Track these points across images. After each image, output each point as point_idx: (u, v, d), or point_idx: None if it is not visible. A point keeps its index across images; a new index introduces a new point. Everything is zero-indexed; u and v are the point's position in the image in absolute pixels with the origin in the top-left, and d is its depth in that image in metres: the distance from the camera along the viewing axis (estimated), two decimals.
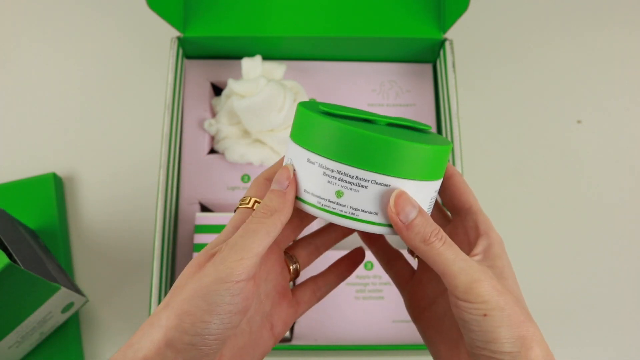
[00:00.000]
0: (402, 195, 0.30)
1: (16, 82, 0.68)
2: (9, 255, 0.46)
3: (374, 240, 0.40)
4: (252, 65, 0.60)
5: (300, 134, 0.31)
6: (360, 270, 0.56)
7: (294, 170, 0.31)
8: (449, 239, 0.30)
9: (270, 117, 0.57)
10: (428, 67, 0.65)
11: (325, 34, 0.61)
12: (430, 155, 0.30)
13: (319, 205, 0.31)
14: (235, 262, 0.28)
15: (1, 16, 0.71)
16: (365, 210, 0.30)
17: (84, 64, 0.69)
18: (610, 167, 0.64)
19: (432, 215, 0.36)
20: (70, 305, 0.53)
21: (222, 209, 0.59)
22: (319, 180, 0.30)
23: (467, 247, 0.34)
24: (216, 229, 0.56)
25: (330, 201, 0.30)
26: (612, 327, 0.58)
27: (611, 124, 0.67)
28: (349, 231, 0.38)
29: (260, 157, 0.59)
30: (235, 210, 0.33)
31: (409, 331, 0.55)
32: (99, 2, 0.72)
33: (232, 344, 0.32)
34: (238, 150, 0.59)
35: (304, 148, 0.31)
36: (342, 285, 0.56)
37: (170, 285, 0.56)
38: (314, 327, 0.55)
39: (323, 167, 0.30)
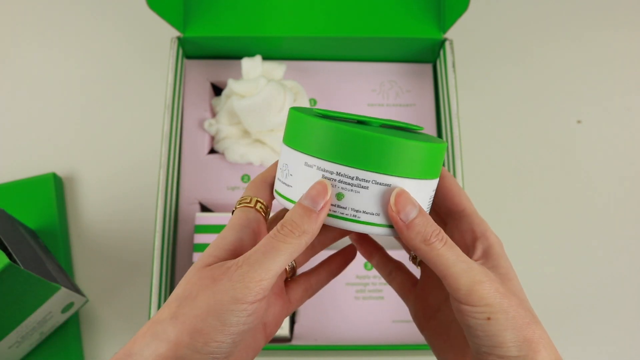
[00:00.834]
0: (402, 193, 0.29)
1: (16, 82, 0.68)
2: (9, 255, 0.46)
3: (373, 253, 0.39)
4: (252, 65, 0.60)
5: (296, 138, 0.31)
6: (360, 270, 0.56)
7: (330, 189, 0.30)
8: (450, 240, 0.30)
9: (270, 117, 0.57)
10: (428, 67, 0.65)
11: (325, 34, 0.61)
12: (429, 153, 0.30)
13: None
14: (254, 283, 0.27)
15: (1, 16, 0.71)
16: (367, 211, 0.30)
17: (84, 64, 0.69)
18: (610, 167, 0.64)
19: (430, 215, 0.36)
20: (70, 305, 0.53)
21: (222, 209, 0.59)
22: None
23: (465, 251, 0.33)
24: (216, 229, 0.56)
25: (332, 204, 0.30)
26: (612, 326, 0.58)
27: (611, 124, 0.67)
28: (346, 232, 0.38)
29: (260, 157, 0.59)
30: (233, 211, 0.32)
31: (409, 331, 0.55)
32: (99, 2, 0.72)
33: None
34: (238, 150, 0.59)
35: (301, 152, 0.30)
36: (342, 285, 0.56)
37: (171, 286, 0.56)
38: (314, 327, 0.55)
39: (322, 170, 0.30)
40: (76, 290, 0.54)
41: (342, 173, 0.29)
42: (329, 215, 0.30)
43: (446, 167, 0.59)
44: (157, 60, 0.67)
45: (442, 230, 0.30)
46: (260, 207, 0.32)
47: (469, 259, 0.30)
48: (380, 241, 0.40)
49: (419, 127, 0.32)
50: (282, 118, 0.57)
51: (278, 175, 0.32)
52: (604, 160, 0.65)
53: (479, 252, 0.32)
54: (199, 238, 0.56)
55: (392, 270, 0.39)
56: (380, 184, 0.30)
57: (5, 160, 0.64)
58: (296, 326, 0.55)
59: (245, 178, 0.60)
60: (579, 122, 0.67)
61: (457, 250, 0.30)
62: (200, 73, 0.64)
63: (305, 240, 0.29)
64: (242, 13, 0.61)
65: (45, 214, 0.59)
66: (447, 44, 0.61)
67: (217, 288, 0.27)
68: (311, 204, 0.29)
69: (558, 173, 0.64)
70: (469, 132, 0.65)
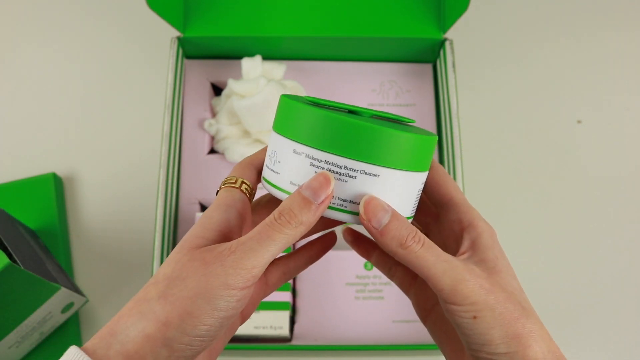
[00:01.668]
0: (371, 200, 0.29)
1: (16, 82, 0.68)
2: (9, 255, 0.46)
3: (370, 252, 0.39)
4: (252, 65, 0.60)
5: (285, 125, 0.30)
6: (360, 270, 0.56)
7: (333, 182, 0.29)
8: (427, 240, 0.29)
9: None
10: (428, 67, 0.65)
11: (325, 34, 0.61)
12: (419, 145, 0.30)
13: None
14: (246, 270, 0.27)
15: (1, 16, 0.71)
16: (354, 201, 0.30)
17: (84, 64, 0.69)
18: (610, 167, 0.64)
19: (420, 212, 0.36)
20: (70, 305, 0.53)
21: None
22: (305, 172, 0.29)
23: (455, 243, 0.33)
24: None
25: None
26: (613, 326, 0.58)
27: (611, 124, 0.67)
28: (333, 223, 0.37)
29: None
30: (217, 191, 0.32)
31: (409, 331, 0.55)
32: (99, 2, 0.72)
33: None
34: (238, 150, 0.59)
35: (289, 139, 0.30)
36: (342, 285, 0.56)
37: None
38: (314, 327, 0.55)
39: (310, 158, 0.29)
40: (76, 290, 0.54)
41: (331, 162, 0.29)
42: None
43: (447, 167, 0.59)
44: (157, 60, 0.67)
45: (419, 231, 0.29)
46: (246, 189, 0.32)
47: (450, 257, 0.29)
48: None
49: (410, 119, 0.32)
50: None
51: (266, 162, 0.32)
52: (604, 160, 0.65)
53: (466, 244, 0.31)
54: None
55: (391, 266, 0.38)
56: (368, 174, 0.29)
57: (5, 160, 0.64)
58: (296, 326, 0.55)
59: None
60: (579, 122, 0.67)
61: (437, 249, 0.29)
62: (200, 73, 0.64)
63: (300, 231, 0.29)
64: (242, 13, 0.61)
65: (45, 214, 0.59)
66: (447, 44, 0.61)
67: (209, 272, 0.27)
68: (312, 196, 0.28)
69: (558, 173, 0.64)
70: (469, 132, 0.65)
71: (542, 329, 0.29)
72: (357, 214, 0.30)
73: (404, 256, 0.29)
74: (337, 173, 0.29)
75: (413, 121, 0.32)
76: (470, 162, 0.63)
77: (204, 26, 0.61)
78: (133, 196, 0.62)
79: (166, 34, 0.63)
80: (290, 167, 0.30)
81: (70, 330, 0.55)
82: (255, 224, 0.33)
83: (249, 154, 0.59)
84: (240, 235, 0.31)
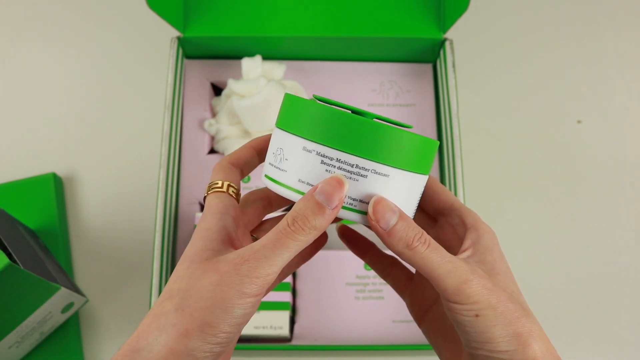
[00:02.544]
0: (380, 201, 0.29)
1: (16, 82, 0.68)
2: (9, 255, 0.46)
3: (366, 251, 0.39)
4: (252, 65, 0.60)
5: (294, 122, 0.30)
6: (360, 270, 0.56)
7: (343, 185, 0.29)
8: (433, 242, 0.29)
9: (270, 117, 0.57)
10: (428, 67, 0.65)
11: (325, 34, 0.61)
12: (427, 147, 0.30)
13: None
14: (261, 278, 0.27)
15: (1, 16, 0.71)
16: (364, 201, 0.30)
17: (84, 64, 0.69)
18: (610, 167, 0.64)
19: (418, 214, 0.36)
20: (70, 305, 0.53)
21: None
22: (316, 170, 0.29)
23: (458, 244, 0.33)
24: None
25: None
26: (613, 326, 0.58)
27: (611, 124, 0.67)
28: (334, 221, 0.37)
29: None
30: (205, 197, 0.32)
31: (409, 331, 0.55)
32: (99, 2, 0.72)
33: None
34: None
35: (299, 136, 0.29)
36: (342, 285, 0.56)
37: None
38: (314, 327, 0.55)
39: (321, 155, 0.29)
40: (76, 290, 0.54)
41: (343, 160, 0.29)
42: None
43: (447, 167, 0.59)
44: (157, 60, 0.67)
45: (425, 232, 0.30)
46: (233, 192, 0.32)
47: (454, 258, 0.29)
48: (373, 238, 0.40)
49: (408, 125, 0.32)
50: None
51: (269, 159, 0.31)
52: (604, 160, 0.65)
53: (467, 243, 0.32)
54: None
55: (386, 267, 0.39)
56: (379, 173, 0.29)
57: (5, 160, 0.64)
58: (296, 326, 0.55)
59: (245, 178, 0.60)
60: (579, 122, 0.67)
61: (442, 250, 0.29)
62: (200, 73, 0.64)
63: (313, 236, 0.29)
64: (242, 13, 0.61)
65: (45, 214, 0.59)
66: (447, 44, 0.61)
67: (223, 281, 0.27)
68: (325, 201, 0.28)
69: (558, 173, 0.64)
70: (469, 132, 0.65)
71: (541, 329, 0.29)
72: (365, 213, 0.30)
73: (409, 257, 0.29)
74: (348, 172, 0.29)
75: (411, 126, 0.32)
76: (470, 162, 0.63)
77: (204, 26, 0.61)
78: (133, 196, 0.62)
79: (166, 34, 0.63)
80: (300, 164, 0.30)
81: (70, 330, 0.55)
82: (244, 224, 0.33)
83: None
84: (239, 240, 0.31)
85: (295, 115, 0.30)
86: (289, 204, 0.35)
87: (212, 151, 0.62)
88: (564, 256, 0.61)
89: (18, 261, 0.45)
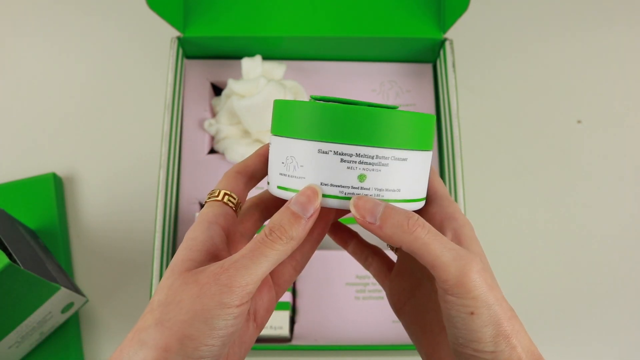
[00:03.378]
0: (360, 198, 0.29)
1: (16, 82, 0.68)
2: (9, 255, 0.46)
3: (348, 240, 0.39)
4: (252, 65, 0.60)
5: (300, 127, 0.30)
6: (360, 270, 0.56)
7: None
8: (432, 227, 0.29)
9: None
10: (428, 67, 0.65)
11: (325, 34, 0.61)
12: (431, 123, 0.31)
13: (342, 195, 0.29)
14: (240, 288, 0.27)
15: (1, 16, 0.71)
16: (389, 188, 0.30)
17: (84, 64, 0.69)
18: (610, 167, 0.65)
19: None
20: (70, 305, 0.53)
21: None
22: (337, 169, 0.29)
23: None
24: None
25: (354, 187, 0.29)
26: (613, 326, 0.58)
27: (611, 124, 0.67)
28: (340, 213, 0.36)
29: None
30: (203, 203, 0.32)
31: None
32: (99, 2, 0.72)
33: None
34: (238, 150, 0.59)
35: (311, 139, 0.29)
36: (342, 285, 0.56)
37: None
38: (314, 327, 0.55)
39: (340, 154, 0.29)
40: (76, 290, 0.54)
41: (362, 154, 0.29)
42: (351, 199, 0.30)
43: (447, 167, 0.59)
44: (157, 60, 0.67)
45: (419, 216, 0.29)
46: (229, 200, 0.32)
47: (454, 245, 0.29)
48: (355, 227, 0.40)
49: (395, 105, 0.32)
50: None
51: (279, 170, 0.31)
52: (604, 160, 0.65)
53: (449, 234, 0.31)
54: None
55: (368, 256, 0.38)
56: (399, 159, 0.29)
57: (5, 160, 0.64)
58: (296, 326, 0.55)
59: None
60: (579, 122, 0.67)
61: (441, 237, 0.29)
62: (200, 73, 0.64)
63: (292, 246, 0.29)
64: (242, 13, 0.61)
65: (45, 214, 0.59)
66: (447, 44, 0.61)
67: (203, 292, 0.27)
68: (301, 211, 0.29)
69: (558, 173, 0.64)
70: (469, 132, 0.65)
71: (524, 329, 0.29)
72: (394, 200, 0.30)
73: (410, 243, 0.29)
74: (370, 164, 0.29)
75: (397, 107, 0.32)
76: (470, 162, 0.63)
77: (204, 26, 0.61)
78: (133, 196, 0.62)
79: (166, 34, 0.63)
80: (318, 167, 0.29)
81: (70, 330, 0.55)
82: (241, 234, 0.33)
83: (249, 154, 0.60)
84: (227, 251, 0.31)
85: (300, 120, 0.30)
86: None
87: (212, 151, 0.62)
88: (564, 256, 0.61)
89: (18, 261, 0.45)
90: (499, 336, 0.28)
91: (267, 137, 0.59)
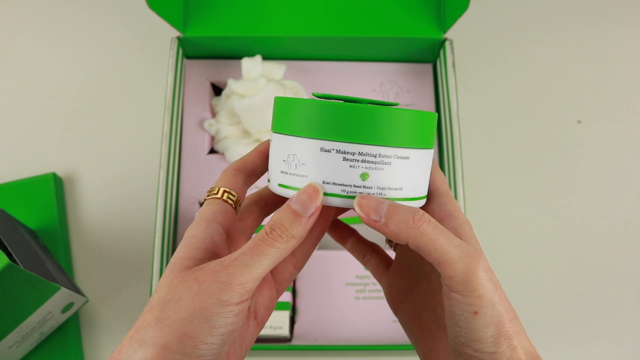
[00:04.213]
0: (363, 197, 0.29)
1: (16, 82, 0.68)
2: (9, 255, 0.46)
3: (346, 238, 0.38)
4: (252, 65, 0.60)
5: (302, 125, 0.30)
6: (360, 270, 0.56)
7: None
8: (438, 223, 0.29)
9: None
10: (428, 67, 0.65)
11: (325, 34, 0.61)
12: (432, 121, 0.31)
13: (344, 194, 0.29)
14: (240, 285, 0.27)
15: (1, 16, 0.71)
16: (392, 187, 0.30)
17: (84, 63, 0.69)
18: (610, 167, 0.65)
19: None
20: (70, 305, 0.53)
21: None
22: (339, 167, 0.29)
23: None
24: None
25: (356, 186, 0.29)
26: (613, 326, 0.58)
27: (611, 124, 0.67)
28: (340, 211, 0.36)
29: None
30: (203, 201, 0.32)
31: None
32: (99, 2, 0.72)
33: None
34: (238, 150, 0.59)
35: (313, 138, 0.29)
36: (342, 285, 0.56)
37: None
38: (314, 327, 0.55)
39: (342, 153, 0.29)
40: (76, 290, 0.54)
41: (365, 152, 0.29)
42: (354, 197, 0.29)
43: (447, 167, 0.59)
44: (157, 60, 0.67)
45: (424, 211, 0.29)
46: (228, 197, 0.32)
47: (460, 241, 0.29)
48: (354, 224, 0.40)
49: (394, 102, 0.32)
50: None
51: (281, 168, 0.31)
52: (604, 160, 0.65)
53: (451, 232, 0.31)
54: None
55: (366, 253, 0.38)
56: (401, 157, 0.29)
57: (5, 160, 0.64)
58: (296, 326, 0.55)
59: None
60: (579, 122, 0.67)
61: (447, 232, 0.29)
62: (200, 73, 0.64)
63: (292, 244, 0.29)
64: (242, 13, 0.61)
65: (45, 214, 0.59)
66: (447, 44, 0.61)
67: (202, 290, 0.27)
68: (301, 209, 0.29)
69: (558, 173, 0.64)
70: (469, 132, 0.65)
71: (524, 330, 0.29)
72: (396, 199, 0.30)
73: (415, 238, 0.28)
74: (372, 162, 0.29)
75: (397, 104, 0.32)
76: (470, 162, 0.63)
77: (204, 26, 0.61)
78: (133, 196, 0.62)
79: (166, 34, 0.63)
80: (321, 166, 0.29)
81: (70, 330, 0.55)
82: (241, 231, 0.33)
83: None
84: (227, 248, 0.31)
85: (302, 118, 0.30)
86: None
87: (212, 151, 0.62)
88: (563, 255, 0.61)
89: (18, 261, 0.45)
90: (500, 337, 0.28)
91: (267, 137, 0.59)
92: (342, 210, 0.36)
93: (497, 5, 0.72)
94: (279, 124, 0.31)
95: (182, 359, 0.26)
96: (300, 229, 0.29)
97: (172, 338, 0.26)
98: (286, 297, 0.55)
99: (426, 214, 0.29)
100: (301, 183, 0.30)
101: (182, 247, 0.30)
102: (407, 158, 0.30)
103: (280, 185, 0.31)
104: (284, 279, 0.34)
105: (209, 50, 0.63)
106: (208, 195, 0.32)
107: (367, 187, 0.29)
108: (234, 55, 0.63)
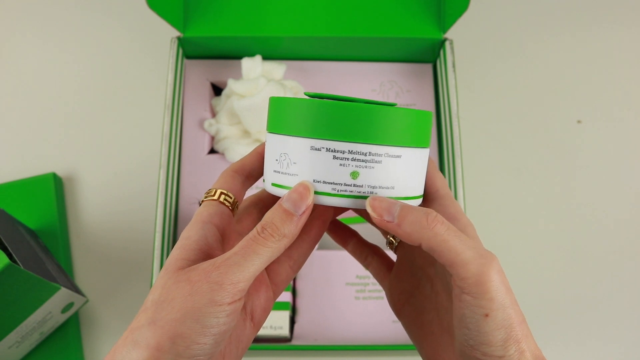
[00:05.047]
0: (375, 199, 0.29)
1: (16, 82, 0.68)
2: (9, 255, 0.46)
3: (348, 240, 0.38)
4: (252, 65, 0.60)
5: (293, 124, 0.30)
6: (360, 270, 0.56)
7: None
8: (451, 225, 0.29)
9: None
10: (428, 67, 0.65)
11: (325, 34, 0.61)
12: (427, 120, 0.31)
13: (334, 192, 0.29)
14: (232, 285, 0.27)
15: (1, 16, 0.71)
16: (383, 186, 0.30)
17: (84, 63, 0.69)
18: (610, 167, 0.65)
19: None
20: (70, 305, 0.53)
21: None
22: (329, 166, 0.29)
23: None
24: None
25: (346, 184, 0.29)
26: (613, 326, 0.58)
27: (611, 124, 0.67)
28: (339, 211, 0.36)
29: None
30: (200, 203, 0.31)
31: None
32: (99, 2, 0.72)
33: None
34: (238, 150, 0.59)
35: (303, 136, 0.29)
36: (342, 285, 0.56)
37: None
38: (314, 327, 0.55)
39: (332, 151, 0.29)
40: (76, 290, 0.54)
41: (355, 150, 0.29)
42: (345, 196, 0.29)
43: (447, 167, 0.59)
44: (157, 60, 0.67)
45: (437, 212, 0.29)
46: (225, 199, 0.32)
47: (473, 242, 0.29)
48: (355, 226, 0.40)
49: (393, 103, 0.32)
50: None
51: (274, 167, 0.31)
52: (604, 160, 0.65)
53: None
54: None
55: (367, 255, 0.38)
56: (392, 156, 0.29)
57: (5, 160, 0.64)
58: (296, 326, 0.55)
59: None
60: (579, 122, 0.67)
61: (460, 234, 0.29)
62: (200, 73, 0.64)
63: (284, 243, 0.29)
64: (242, 13, 0.61)
65: (45, 214, 0.59)
66: (447, 44, 0.61)
67: (194, 290, 0.27)
68: (292, 208, 0.29)
69: (558, 173, 0.64)
70: (469, 132, 0.65)
71: (531, 334, 0.29)
72: (388, 197, 0.30)
73: (429, 239, 0.28)
74: (362, 161, 0.29)
75: (395, 104, 0.32)
76: (470, 162, 0.63)
77: (204, 26, 0.61)
78: (133, 196, 0.62)
79: (166, 34, 0.63)
80: (311, 164, 0.29)
81: (70, 330, 0.55)
82: (238, 232, 0.33)
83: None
84: (221, 249, 0.31)
85: (294, 117, 0.30)
86: None
87: (212, 151, 0.62)
88: (564, 255, 0.61)
89: (18, 261, 0.45)
90: (509, 340, 0.28)
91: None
92: (340, 211, 0.36)
93: (497, 5, 0.72)
94: (272, 124, 0.31)
95: None
96: (292, 228, 0.29)
97: (164, 339, 0.26)
98: (286, 297, 0.55)
99: (439, 215, 0.29)
100: (293, 182, 0.30)
101: (176, 248, 0.30)
102: (398, 157, 0.29)
103: (273, 184, 0.31)
104: (280, 280, 0.34)
105: (209, 50, 0.63)
106: (205, 197, 0.32)
107: (357, 186, 0.29)
108: (234, 55, 0.63)
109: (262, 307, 0.33)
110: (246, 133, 0.60)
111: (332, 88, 0.64)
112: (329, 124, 0.29)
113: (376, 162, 0.29)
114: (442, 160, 0.60)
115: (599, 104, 0.67)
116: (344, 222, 0.40)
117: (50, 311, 0.51)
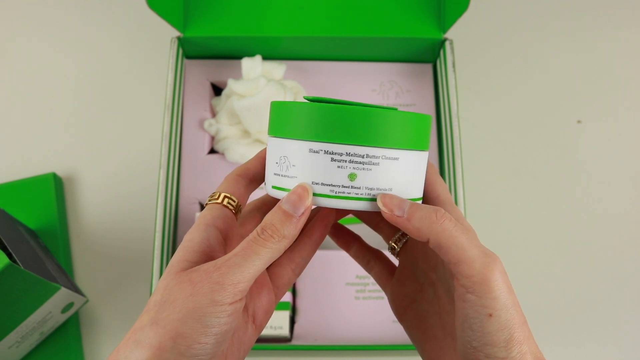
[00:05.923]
0: (386, 196, 0.30)
1: (16, 82, 0.68)
2: (9, 255, 0.46)
3: (350, 244, 0.39)
4: (252, 65, 0.60)
5: (292, 127, 0.30)
6: (360, 270, 0.56)
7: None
8: (458, 223, 0.29)
9: None
10: (428, 67, 0.65)
11: (325, 34, 0.61)
12: (426, 123, 0.31)
13: (333, 194, 0.30)
14: (232, 285, 0.27)
15: (1, 16, 0.71)
16: (381, 188, 0.30)
17: (84, 63, 0.69)
18: (610, 167, 0.65)
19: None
20: (70, 305, 0.53)
21: None
22: (327, 168, 0.29)
23: None
24: None
25: (344, 186, 0.29)
26: (613, 326, 0.58)
27: (611, 124, 0.67)
28: (342, 214, 0.37)
29: None
30: (204, 206, 0.32)
31: None
32: (99, 2, 0.72)
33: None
34: (238, 150, 0.59)
35: (302, 139, 0.30)
36: (342, 285, 0.56)
37: None
38: (314, 327, 0.55)
39: (330, 153, 0.29)
40: (76, 290, 0.54)
41: (353, 153, 0.29)
42: (343, 198, 0.30)
43: (447, 167, 0.59)
44: (157, 60, 0.67)
45: (445, 210, 0.30)
46: (229, 203, 0.32)
47: (479, 242, 0.29)
48: (357, 230, 0.40)
49: (393, 107, 0.32)
50: None
51: (274, 170, 0.31)
52: (604, 160, 0.65)
53: None
54: None
55: (370, 260, 0.38)
56: (389, 158, 0.30)
57: (5, 160, 0.64)
58: (296, 326, 0.55)
59: None
60: (579, 122, 0.67)
61: (468, 232, 0.29)
62: (200, 73, 0.64)
63: (284, 244, 0.29)
64: (242, 13, 0.61)
65: (45, 214, 0.60)
66: (447, 44, 0.61)
67: (196, 291, 0.27)
68: (291, 209, 0.29)
69: (558, 173, 0.64)
70: (469, 132, 0.65)
71: (532, 334, 0.29)
72: None
73: (437, 234, 0.29)
74: (360, 163, 0.29)
75: (395, 109, 0.32)
76: (470, 162, 0.63)
77: (204, 26, 0.61)
78: (133, 196, 0.62)
79: (166, 34, 0.63)
80: (309, 167, 0.30)
81: (70, 330, 0.55)
82: (241, 236, 0.33)
83: (249, 154, 0.60)
84: (223, 252, 0.31)
85: (293, 120, 0.30)
86: None
87: (212, 151, 0.62)
88: (564, 255, 0.61)
89: (18, 261, 0.45)
90: (511, 341, 0.28)
91: (267, 137, 0.59)
92: (342, 214, 0.36)
93: (497, 5, 0.72)
94: (273, 128, 0.32)
95: (176, 359, 0.26)
96: (291, 229, 0.29)
97: (166, 338, 0.27)
98: (286, 297, 0.55)
99: (447, 213, 0.29)
100: (292, 184, 0.30)
101: (179, 250, 0.30)
102: (396, 159, 0.30)
103: (273, 187, 0.32)
104: (282, 283, 0.35)
105: (209, 50, 0.63)
106: (209, 201, 0.32)
107: (355, 188, 0.30)
108: (234, 55, 0.63)
109: (264, 310, 0.33)
110: (246, 133, 0.60)
111: (332, 88, 0.64)
112: (326, 126, 0.29)
113: (373, 164, 0.29)
114: (442, 160, 0.60)
115: (599, 104, 0.68)
116: (345, 223, 0.40)
117: (50, 311, 0.51)
